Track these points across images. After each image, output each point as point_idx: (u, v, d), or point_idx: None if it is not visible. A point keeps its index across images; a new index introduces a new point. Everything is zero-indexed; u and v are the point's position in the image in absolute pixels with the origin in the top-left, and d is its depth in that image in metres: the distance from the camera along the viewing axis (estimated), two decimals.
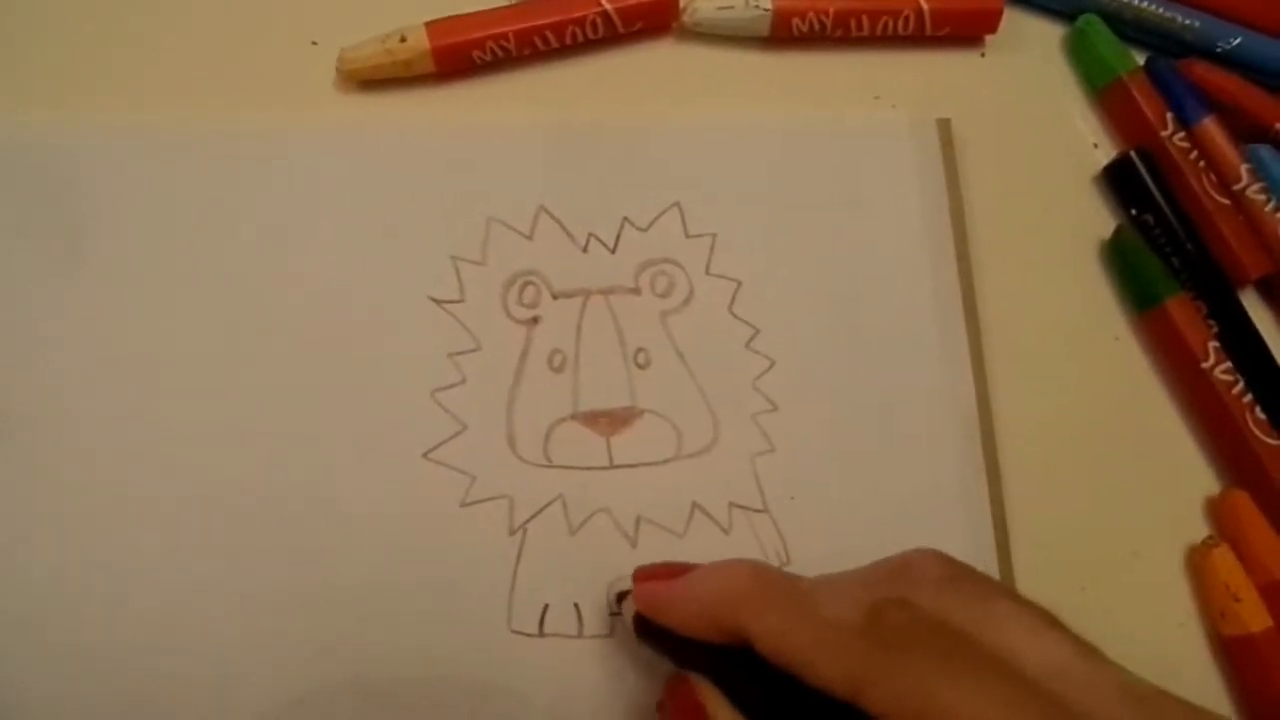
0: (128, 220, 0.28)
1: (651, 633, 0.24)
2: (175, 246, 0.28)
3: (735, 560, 0.23)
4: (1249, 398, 0.31)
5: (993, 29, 0.34)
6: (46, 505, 0.26)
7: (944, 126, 0.33)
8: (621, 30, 0.32)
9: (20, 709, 0.24)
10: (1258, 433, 0.30)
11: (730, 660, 0.22)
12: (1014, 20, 0.35)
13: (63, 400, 0.26)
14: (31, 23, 0.30)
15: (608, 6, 0.31)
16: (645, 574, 0.24)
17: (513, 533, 0.27)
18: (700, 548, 0.28)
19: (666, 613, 0.23)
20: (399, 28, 0.30)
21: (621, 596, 0.26)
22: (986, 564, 0.28)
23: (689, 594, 0.23)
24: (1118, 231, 0.33)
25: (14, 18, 0.30)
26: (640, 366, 0.29)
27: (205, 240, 0.28)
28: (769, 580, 0.22)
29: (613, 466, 0.28)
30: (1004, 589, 0.24)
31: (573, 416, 0.28)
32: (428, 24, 0.30)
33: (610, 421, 0.28)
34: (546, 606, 0.27)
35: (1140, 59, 0.35)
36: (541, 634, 0.27)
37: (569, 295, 0.29)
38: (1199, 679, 0.30)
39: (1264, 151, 0.34)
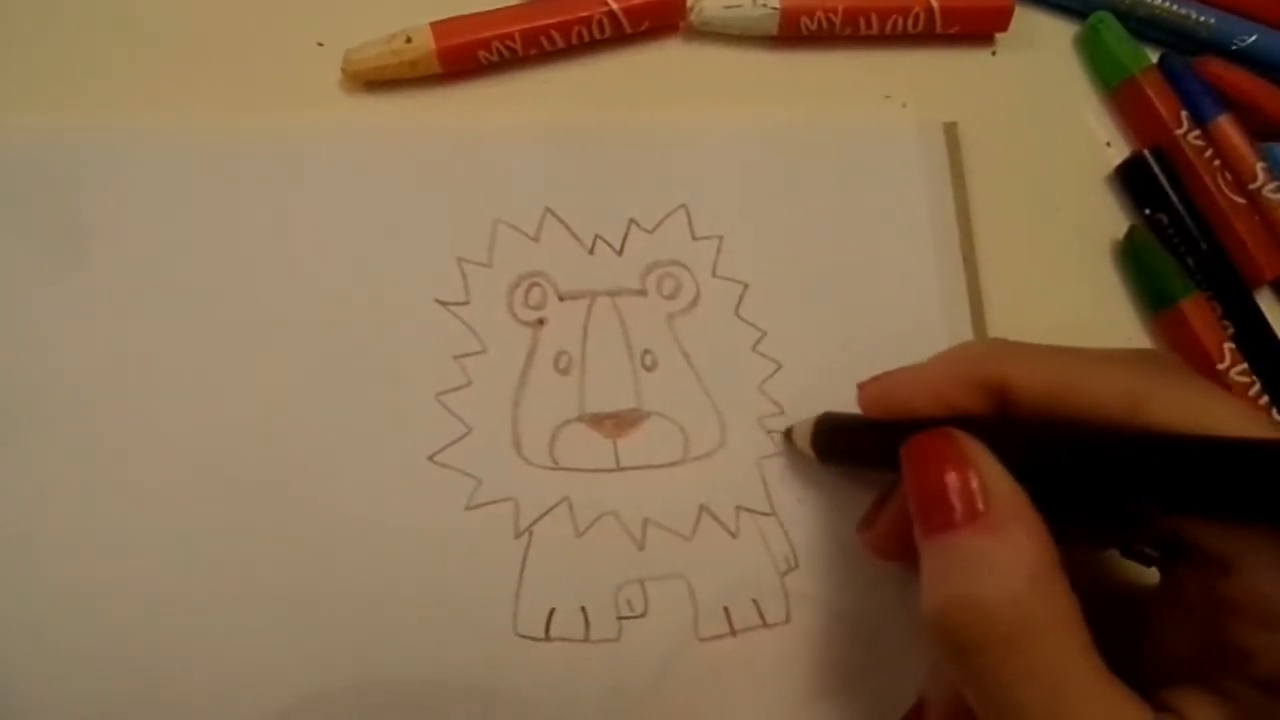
0: (131, 221, 0.28)
1: (844, 445, 0.25)
2: (178, 248, 0.28)
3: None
4: (1265, 399, 0.31)
5: (1004, 27, 0.34)
6: (46, 506, 0.26)
7: (950, 130, 0.32)
8: (628, 30, 0.32)
9: (20, 709, 0.24)
10: None
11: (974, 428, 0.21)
12: (1025, 18, 0.35)
13: (64, 401, 0.26)
14: (34, 23, 0.30)
15: (614, 6, 0.31)
16: (869, 380, 0.25)
17: (518, 536, 0.27)
18: (708, 551, 0.27)
19: (908, 391, 0.23)
20: (404, 28, 0.30)
21: (789, 432, 0.28)
22: None
23: (931, 368, 0.23)
24: (1131, 231, 0.33)
25: (17, 18, 0.30)
26: (647, 369, 0.28)
27: (209, 242, 0.28)
28: (1012, 340, 0.23)
29: (619, 469, 0.28)
30: None
31: (579, 419, 0.28)
32: (433, 24, 0.30)
33: (616, 424, 0.28)
34: (553, 610, 0.27)
35: (1154, 57, 0.35)
36: (548, 638, 0.26)
37: (575, 297, 0.29)
38: None
39: (1279, 150, 0.34)
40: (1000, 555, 0.19)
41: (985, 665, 0.18)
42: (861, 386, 0.25)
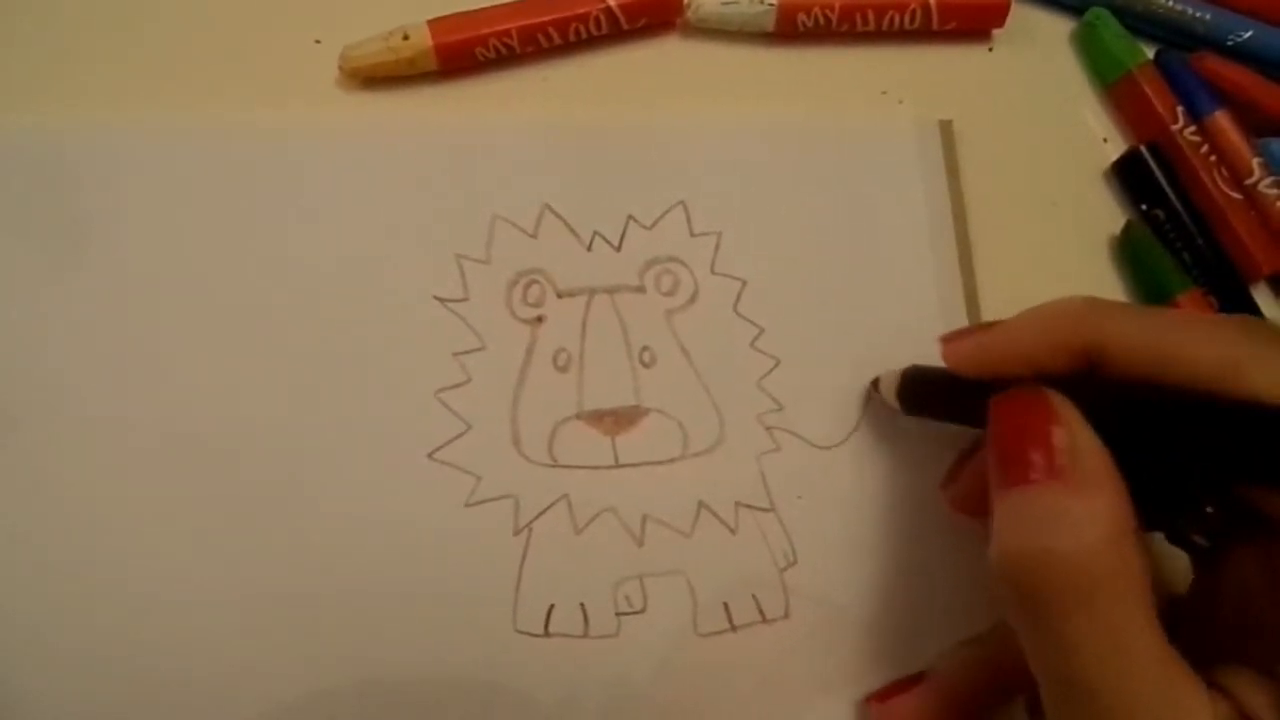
0: (130, 219, 0.28)
1: (930, 399, 0.25)
2: (177, 246, 0.28)
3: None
4: None
5: (1000, 23, 0.34)
6: (46, 505, 0.26)
7: (947, 126, 0.32)
8: (625, 27, 0.32)
9: (20, 709, 0.24)
10: None
11: (1063, 387, 0.21)
12: (1021, 14, 0.35)
13: (63, 400, 0.26)
14: (33, 22, 0.30)
15: (611, 3, 0.31)
16: (952, 334, 0.24)
17: (518, 532, 0.27)
18: (707, 547, 0.28)
19: (998, 351, 0.23)
20: (402, 25, 0.30)
21: (876, 382, 0.28)
22: None
23: (1019, 327, 0.22)
24: (1128, 227, 0.33)
25: (15, 16, 0.30)
26: (645, 365, 0.28)
27: (207, 239, 0.28)
28: (1104, 299, 0.22)
29: (618, 466, 0.28)
30: None
31: (578, 416, 0.28)
32: (430, 21, 0.30)
33: (615, 421, 0.28)
34: (552, 606, 0.27)
35: (1150, 52, 0.35)
36: (547, 634, 0.26)
37: (574, 294, 0.29)
38: None
39: (1276, 146, 0.34)
40: (1080, 511, 0.18)
41: (1053, 616, 0.18)
42: (946, 340, 0.24)
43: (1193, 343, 0.20)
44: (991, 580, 0.20)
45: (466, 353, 0.28)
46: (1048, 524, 0.19)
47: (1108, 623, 0.18)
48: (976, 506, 0.24)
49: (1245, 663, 0.19)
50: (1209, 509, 0.21)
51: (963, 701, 0.25)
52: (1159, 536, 0.24)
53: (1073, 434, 0.19)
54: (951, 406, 0.25)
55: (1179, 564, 0.24)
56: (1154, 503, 0.21)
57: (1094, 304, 0.22)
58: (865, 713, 0.27)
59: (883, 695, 0.26)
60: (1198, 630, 0.21)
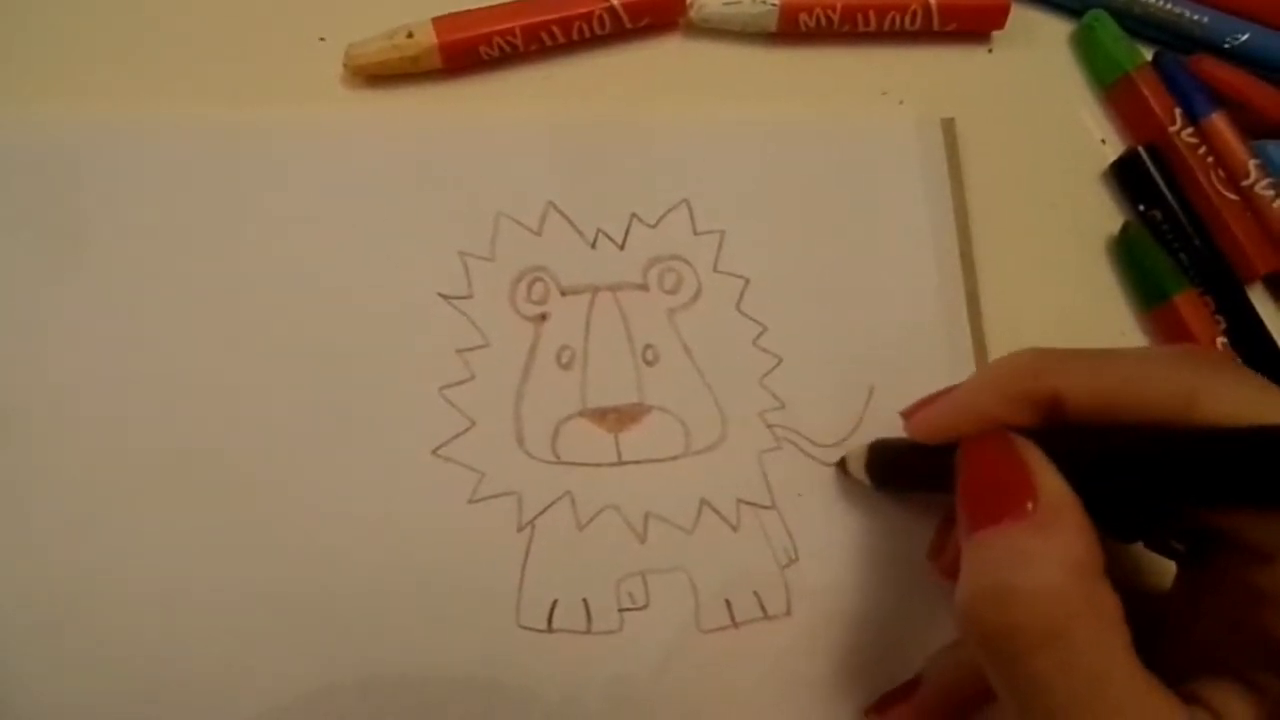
0: (131, 217, 0.28)
1: (899, 470, 0.26)
2: (179, 243, 0.28)
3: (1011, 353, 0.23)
4: None
5: (1000, 25, 0.34)
6: (47, 504, 0.26)
7: (948, 126, 0.33)
8: (628, 26, 0.32)
9: (21, 708, 0.24)
10: None
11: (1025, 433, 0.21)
12: (1021, 16, 0.35)
13: (64, 398, 0.26)
14: (35, 19, 0.30)
15: (614, 2, 0.31)
16: (912, 407, 0.25)
17: (521, 529, 0.27)
18: (709, 544, 0.28)
19: (954, 416, 0.23)
20: (406, 23, 0.30)
21: (843, 462, 0.28)
22: None
23: (976, 388, 0.23)
24: (1125, 227, 0.33)
25: (16, 13, 0.30)
26: (648, 363, 0.29)
27: (210, 237, 0.28)
28: (1055, 349, 0.22)
29: (621, 463, 0.28)
30: None
31: (581, 413, 0.28)
32: (435, 20, 0.30)
33: (618, 418, 0.28)
34: (555, 602, 0.27)
35: (1148, 55, 0.35)
36: (550, 629, 0.27)
37: (577, 291, 0.29)
38: None
39: (1272, 148, 0.34)
40: (1044, 550, 0.19)
41: (1018, 654, 0.18)
42: (906, 415, 0.25)
43: (1145, 380, 0.20)
44: (958, 626, 0.20)
45: (470, 350, 0.28)
46: (1011, 563, 0.19)
47: (1075, 658, 0.18)
48: None
49: (1226, 670, 0.19)
50: (1175, 545, 0.22)
51: (957, 704, 0.25)
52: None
53: (1036, 474, 0.20)
54: (922, 475, 0.26)
55: (1166, 567, 0.24)
56: (1128, 522, 0.21)
57: (1044, 355, 0.22)
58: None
59: (880, 706, 0.27)
60: (1180, 637, 0.21)
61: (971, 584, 0.19)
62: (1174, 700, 0.18)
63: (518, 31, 0.30)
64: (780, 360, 0.29)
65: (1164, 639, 0.19)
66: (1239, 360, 0.20)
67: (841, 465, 0.28)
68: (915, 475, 0.26)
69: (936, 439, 0.24)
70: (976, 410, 0.22)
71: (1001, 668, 0.19)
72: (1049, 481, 0.19)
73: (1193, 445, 0.19)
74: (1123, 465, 0.20)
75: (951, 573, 0.26)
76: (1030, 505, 0.19)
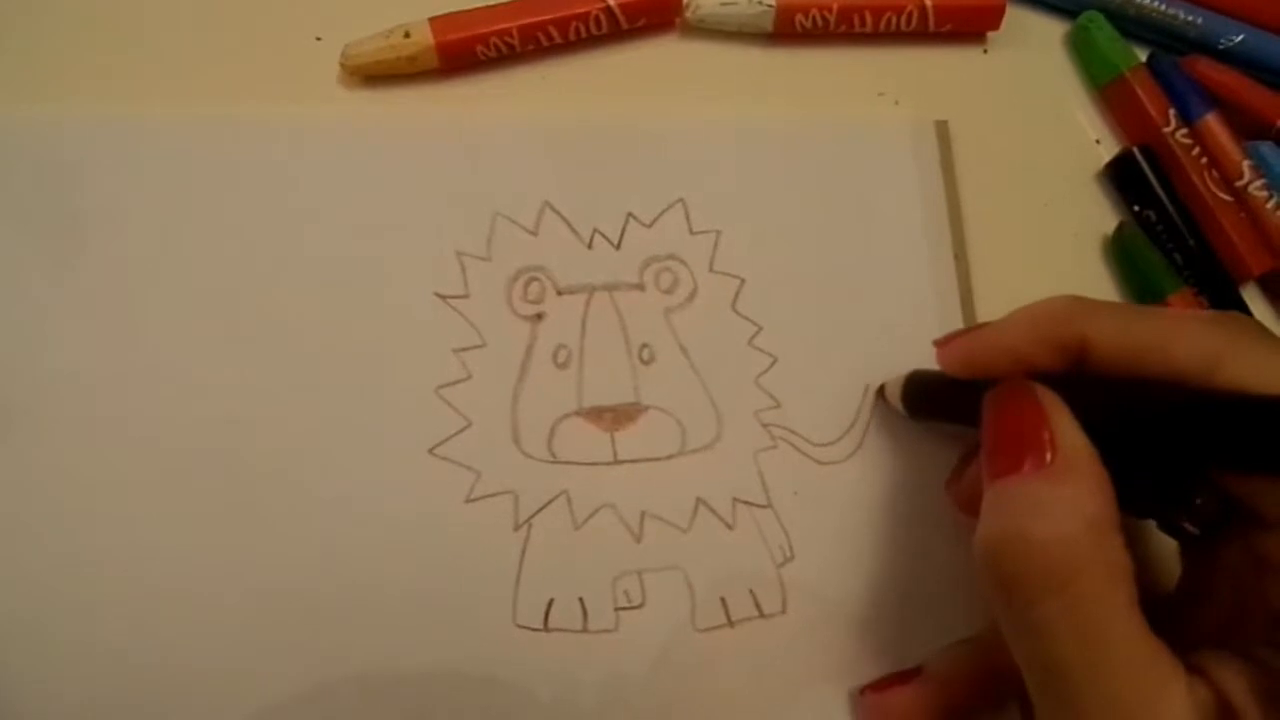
0: (130, 215, 0.28)
1: (931, 401, 0.26)
2: (177, 242, 0.28)
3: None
4: None
5: (995, 26, 0.35)
6: (47, 501, 0.26)
7: (942, 127, 0.33)
8: (625, 26, 0.32)
9: (21, 707, 0.24)
10: None
11: (1052, 383, 0.21)
12: (1016, 17, 0.35)
13: (64, 395, 0.26)
14: (33, 16, 0.30)
15: (611, 2, 0.31)
16: (945, 338, 0.25)
17: (517, 528, 0.27)
18: (705, 543, 0.28)
19: (987, 351, 0.23)
20: (403, 23, 0.30)
21: (881, 389, 0.29)
22: None
23: (1008, 326, 0.23)
24: (1120, 228, 0.33)
25: (15, 11, 0.30)
26: (644, 363, 0.29)
27: (208, 236, 0.28)
28: (1091, 298, 0.22)
29: (617, 462, 0.28)
30: None
31: (577, 412, 0.28)
32: (432, 20, 0.30)
33: (615, 417, 0.28)
34: (551, 601, 0.27)
35: (1142, 56, 0.35)
36: (546, 629, 0.27)
37: (573, 291, 0.29)
38: None
39: (1265, 148, 0.34)
40: (1060, 500, 0.19)
41: (1027, 600, 0.19)
42: (940, 345, 0.25)
43: (1174, 338, 0.20)
44: (975, 568, 0.20)
45: (467, 349, 0.28)
46: (1027, 511, 0.19)
47: (1082, 608, 0.18)
48: (979, 506, 0.25)
49: (1230, 648, 0.19)
50: (1198, 500, 0.21)
51: (956, 698, 0.25)
52: (1151, 525, 0.24)
53: (1056, 426, 0.20)
54: (952, 408, 0.26)
55: (1171, 555, 0.24)
56: (1144, 493, 0.22)
57: (1080, 302, 0.23)
58: (859, 705, 0.27)
59: (878, 686, 0.27)
60: (1186, 617, 0.22)
61: (989, 529, 0.20)
62: (1175, 663, 0.18)
63: (514, 32, 0.30)
64: (776, 360, 0.29)
65: (1166, 625, 0.20)
66: (1267, 330, 0.21)
67: (880, 392, 0.29)
68: (947, 407, 0.27)
69: (964, 373, 0.24)
70: (1005, 347, 0.23)
71: (1011, 613, 0.19)
72: (1068, 434, 0.20)
73: (1210, 407, 0.19)
74: (1142, 420, 0.20)
75: (965, 505, 0.26)
76: (1049, 456, 0.20)
